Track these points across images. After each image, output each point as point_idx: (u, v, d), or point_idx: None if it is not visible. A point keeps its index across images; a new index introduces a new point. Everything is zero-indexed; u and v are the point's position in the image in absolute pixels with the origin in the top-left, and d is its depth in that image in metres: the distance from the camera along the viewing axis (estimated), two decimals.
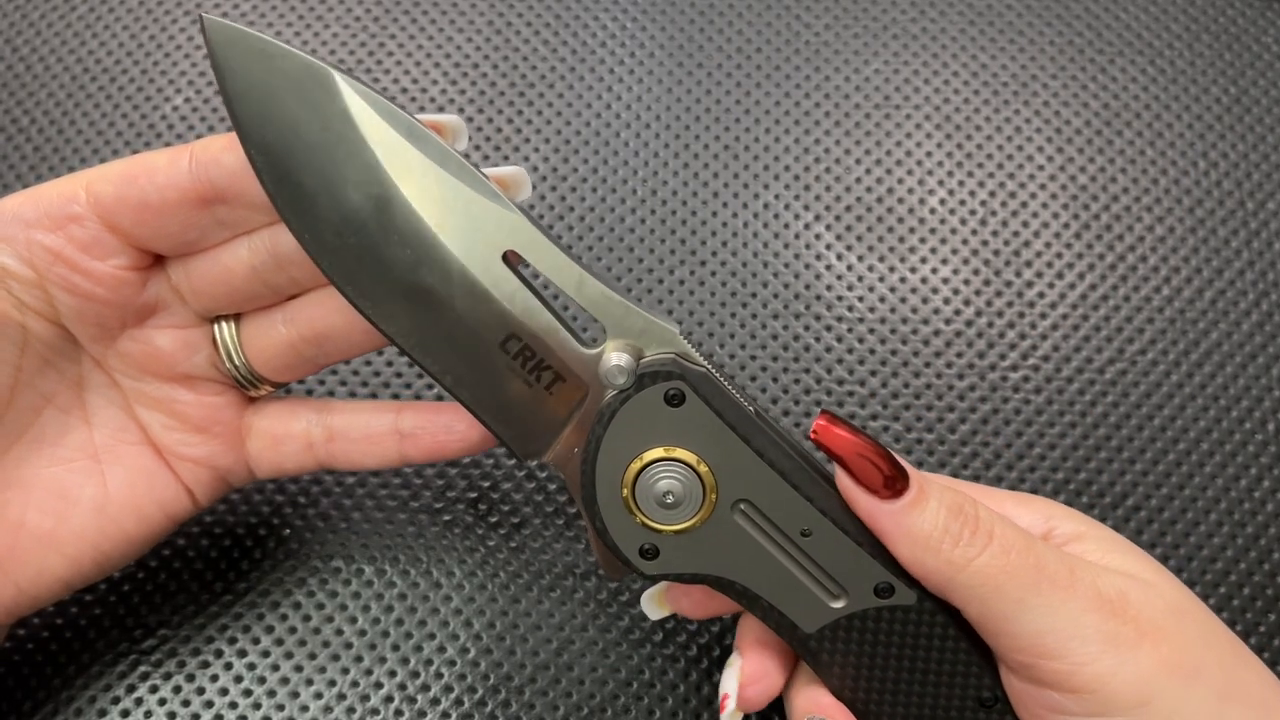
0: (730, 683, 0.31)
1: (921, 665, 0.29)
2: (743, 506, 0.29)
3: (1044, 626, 0.27)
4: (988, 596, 0.27)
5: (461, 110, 0.45)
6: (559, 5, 0.47)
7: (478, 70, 0.46)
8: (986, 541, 0.28)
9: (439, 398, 0.40)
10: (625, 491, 0.29)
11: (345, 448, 0.33)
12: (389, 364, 0.41)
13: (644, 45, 0.47)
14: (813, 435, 0.28)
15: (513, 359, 0.29)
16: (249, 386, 0.33)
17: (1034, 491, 0.40)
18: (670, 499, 0.28)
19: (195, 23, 0.46)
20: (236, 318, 0.32)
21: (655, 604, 0.33)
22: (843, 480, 0.28)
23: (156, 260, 0.31)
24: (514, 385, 0.29)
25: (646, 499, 0.29)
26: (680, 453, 0.28)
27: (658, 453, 0.28)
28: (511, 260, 0.29)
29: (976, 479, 0.40)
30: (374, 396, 0.40)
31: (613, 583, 0.37)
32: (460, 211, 0.28)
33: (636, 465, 0.28)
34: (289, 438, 0.33)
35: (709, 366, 0.29)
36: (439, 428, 0.33)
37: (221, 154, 0.29)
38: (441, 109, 0.45)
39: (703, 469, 0.28)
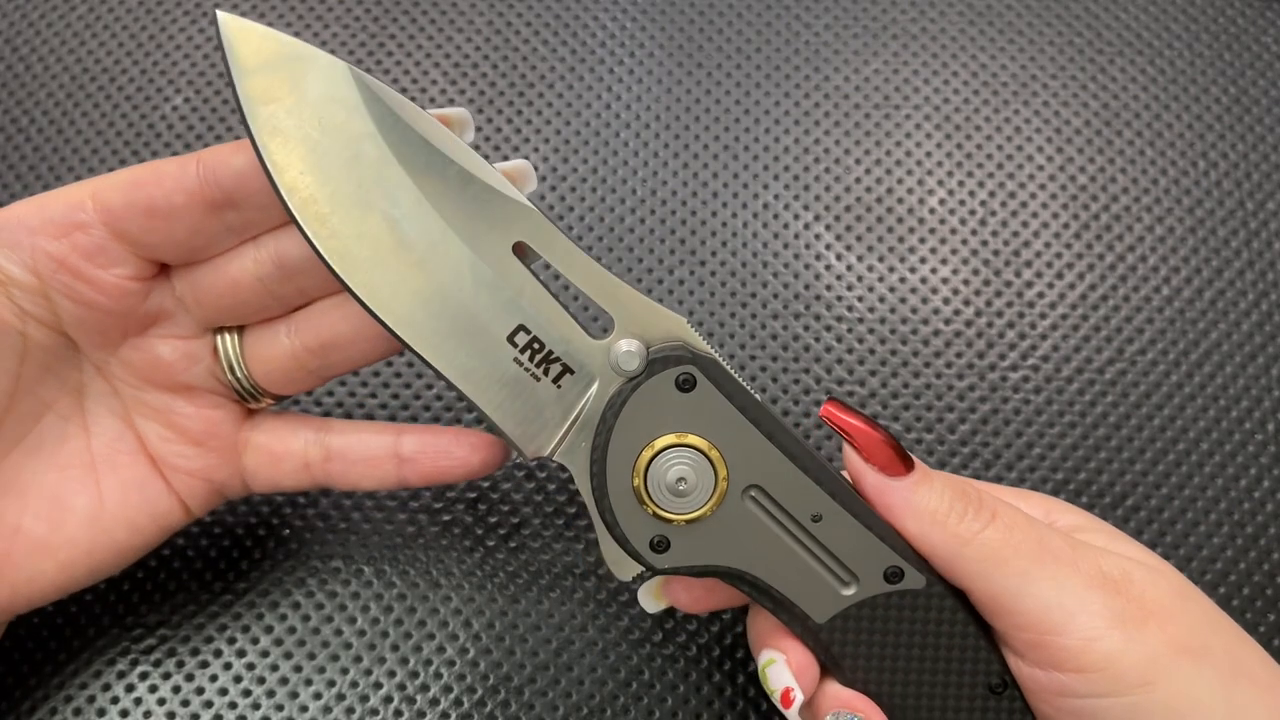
0: (786, 677, 0.30)
1: (931, 651, 0.29)
2: (753, 493, 0.29)
3: (1050, 601, 0.27)
4: (992, 571, 0.28)
5: None
6: (559, 5, 0.47)
7: (478, 70, 0.46)
8: (990, 518, 0.28)
9: (436, 420, 0.40)
10: (637, 480, 0.29)
11: (343, 469, 0.33)
12: (385, 385, 0.40)
13: (644, 45, 0.47)
14: (822, 414, 0.29)
15: (520, 351, 0.29)
16: (249, 399, 0.33)
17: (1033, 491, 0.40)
18: (683, 485, 0.28)
19: (195, 23, 0.46)
20: (239, 329, 0.32)
21: (653, 597, 0.33)
22: (851, 458, 0.29)
23: (161, 270, 0.31)
24: (521, 380, 0.29)
25: (658, 487, 0.29)
26: (692, 438, 0.28)
27: (669, 439, 0.28)
28: (520, 252, 0.29)
29: (976, 479, 0.40)
30: (370, 418, 0.40)
31: (613, 583, 0.37)
32: (470, 204, 0.28)
33: (648, 453, 0.28)
34: (287, 455, 0.33)
35: (716, 355, 0.29)
36: (439, 452, 0.33)
37: (231, 156, 0.29)
38: (442, 108, 0.45)
39: (714, 454, 0.28)
